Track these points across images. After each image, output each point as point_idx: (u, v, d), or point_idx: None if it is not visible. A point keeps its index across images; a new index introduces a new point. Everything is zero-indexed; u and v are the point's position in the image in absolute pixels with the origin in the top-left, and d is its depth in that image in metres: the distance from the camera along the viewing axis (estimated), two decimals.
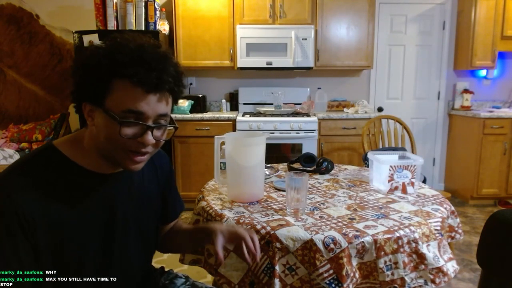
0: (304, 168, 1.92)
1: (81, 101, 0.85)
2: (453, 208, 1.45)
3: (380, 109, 4.11)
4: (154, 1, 3.33)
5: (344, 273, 1.11)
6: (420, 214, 1.32)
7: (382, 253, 1.14)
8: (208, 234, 1.03)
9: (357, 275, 1.15)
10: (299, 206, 1.30)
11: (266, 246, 1.17)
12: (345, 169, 1.99)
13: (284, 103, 3.79)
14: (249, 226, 1.21)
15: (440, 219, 1.29)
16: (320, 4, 3.60)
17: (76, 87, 0.85)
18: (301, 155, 1.97)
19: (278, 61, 3.58)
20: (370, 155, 1.66)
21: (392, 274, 1.15)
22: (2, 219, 0.77)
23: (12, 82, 3.94)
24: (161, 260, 2.50)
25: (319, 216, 1.30)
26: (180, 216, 1.21)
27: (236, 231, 1.01)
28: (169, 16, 3.66)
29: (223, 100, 3.93)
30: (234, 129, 3.47)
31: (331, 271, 1.11)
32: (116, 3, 3.29)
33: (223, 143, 1.51)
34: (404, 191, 1.55)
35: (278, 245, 1.15)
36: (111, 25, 3.27)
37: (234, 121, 3.50)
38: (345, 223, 1.24)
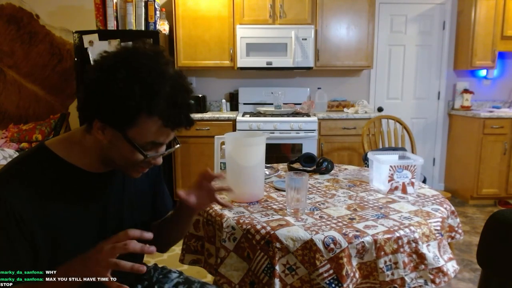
0: (304, 168, 1.92)
1: (94, 118, 0.82)
2: (453, 208, 1.45)
3: (380, 109, 4.11)
4: (154, 1, 3.33)
5: (344, 273, 1.11)
6: (420, 214, 1.32)
7: (382, 253, 1.14)
8: (182, 207, 1.05)
9: (357, 275, 1.15)
10: (299, 206, 1.30)
11: (266, 246, 1.17)
12: (345, 169, 1.99)
13: (284, 103, 3.79)
14: (249, 226, 1.21)
15: (440, 219, 1.29)
16: (320, 4, 3.60)
17: (93, 105, 0.81)
18: (301, 155, 1.97)
19: (278, 61, 3.58)
20: (370, 155, 1.66)
21: (392, 274, 1.15)
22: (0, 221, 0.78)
23: (12, 82, 3.94)
24: (161, 260, 2.50)
25: (319, 216, 1.30)
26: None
27: (199, 179, 1.03)
28: (169, 16, 3.66)
29: (223, 100, 3.93)
30: (234, 129, 3.47)
31: (331, 271, 1.11)
32: (116, 3, 3.29)
33: (223, 143, 1.51)
34: (404, 191, 1.55)
35: (278, 245, 1.15)
36: (111, 25, 3.27)
37: (234, 121, 3.50)
38: (345, 223, 1.24)
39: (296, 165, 1.97)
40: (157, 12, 3.38)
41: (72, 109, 3.94)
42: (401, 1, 3.98)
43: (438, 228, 1.26)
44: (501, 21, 3.73)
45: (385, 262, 1.14)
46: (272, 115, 3.57)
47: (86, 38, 3.24)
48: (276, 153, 3.41)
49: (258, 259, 1.18)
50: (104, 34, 3.24)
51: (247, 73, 4.02)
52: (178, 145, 0.96)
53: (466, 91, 4.03)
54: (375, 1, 3.67)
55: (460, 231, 1.45)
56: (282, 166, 2.04)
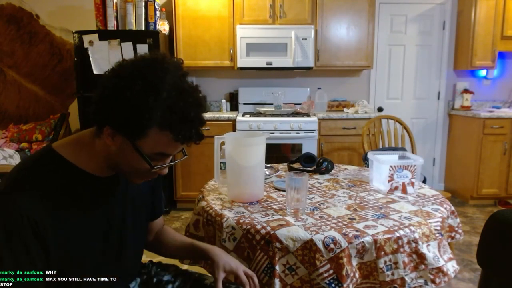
0: (304, 168, 1.92)
1: (106, 124, 0.83)
2: (453, 208, 1.45)
3: (380, 109, 4.11)
4: (154, 1, 3.33)
5: (344, 273, 1.11)
6: (420, 214, 1.32)
7: (382, 253, 1.14)
8: (207, 260, 1.09)
9: (357, 275, 1.15)
10: (299, 206, 1.30)
11: (266, 246, 1.17)
12: (345, 169, 1.99)
13: (284, 103, 3.79)
14: (249, 226, 1.21)
15: (440, 219, 1.29)
16: (320, 4, 3.60)
17: (106, 112, 0.82)
18: (301, 155, 1.97)
19: (278, 61, 3.58)
20: (370, 155, 1.66)
21: (392, 274, 1.15)
22: (14, 225, 0.78)
23: (12, 82, 3.94)
24: (161, 259, 2.49)
25: (319, 216, 1.30)
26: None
27: (238, 274, 1.06)
28: (169, 16, 3.66)
29: (223, 100, 3.93)
30: (234, 129, 3.47)
31: (331, 271, 1.11)
32: (116, 3, 3.29)
33: (223, 143, 1.51)
34: (404, 191, 1.55)
35: (278, 245, 1.15)
36: (111, 25, 3.27)
37: (234, 121, 3.50)
38: (345, 223, 1.24)
39: (296, 165, 1.97)
40: (157, 12, 3.38)
41: (72, 109, 3.94)
42: (401, 1, 3.98)
43: (438, 228, 1.26)
44: (501, 21, 3.73)
45: (385, 262, 1.14)
46: (272, 115, 3.57)
47: (86, 38, 3.24)
48: (276, 153, 3.41)
49: (258, 259, 1.18)
50: (104, 34, 3.24)
51: (247, 73, 4.02)
52: (186, 156, 0.98)
53: (466, 91, 4.03)
54: (375, 1, 3.67)
55: (460, 231, 1.45)
56: (282, 166, 2.04)
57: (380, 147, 3.04)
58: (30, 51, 3.88)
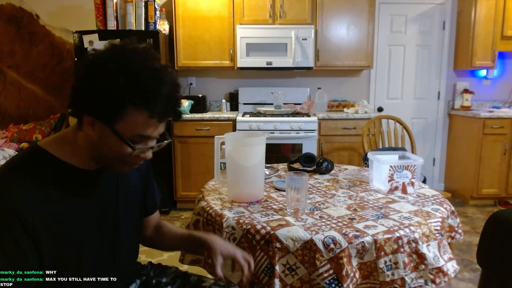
0: (304, 168, 1.92)
1: (83, 112, 0.84)
2: (453, 208, 1.45)
3: (380, 109, 4.11)
4: (154, 1, 3.33)
5: (344, 273, 1.11)
6: (420, 214, 1.32)
7: (382, 253, 1.14)
8: (206, 248, 1.08)
9: (357, 275, 1.15)
10: (299, 206, 1.30)
11: (266, 246, 1.17)
12: (345, 169, 1.99)
13: (284, 103, 3.79)
14: (249, 226, 1.21)
15: (440, 219, 1.29)
16: (320, 4, 3.60)
17: (83, 99, 0.84)
18: (301, 155, 1.97)
19: (278, 61, 3.58)
20: (370, 155, 1.66)
21: (392, 274, 1.15)
22: (4, 222, 0.78)
23: (12, 82, 3.94)
24: (161, 260, 2.49)
25: (319, 216, 1.30)
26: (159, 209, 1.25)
27: (235, 257, 1.06)
28: (169, 16, 3.66)
29: (223, 100, 3.93)
30: (234, 129, 3.47)
31: (331, 271, 1.11)
32: (116, 3, 3.29)
33: (223, 143, 1.51)
34: (404, 191, 1.55)
35: (278, 245, 1.15)
36: (111, 25, 3.27)
37: (234, 121, 3.50)
38: (345, 223, 1.24)
39: (296, 165, 1.97)
40: (157, 12, 3.38)
41: None
42: (401, 1, 3.98)
43: (438, 228, 1.26)
44: (501, 21, 3.73)
45: (385, 262, 1.14)
46: (272, 115, 3.57)
47: (86, 38, 3.24)
48: (276, 153, 3.41)
49: (258, 259, 1.18)
50: (104, 34, 3.24)
51: (247, 73, 4.02)
52: (168, 140, 0.95)
53: (466, 91, 4.03)
54: (375, 1, 3.67)
55: (460, 231, 1.45)
56: (282, 166, 2.04)
57: (380, 147, 3.04)
58: (30, 51, 3.88)
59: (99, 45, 3.23)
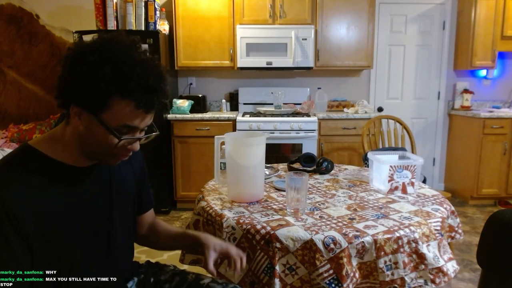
0: (304, 168, 1.92)
1: (70, 103, 0.85)
2: (453, 208, 1.45)
3: (380, 109, 4.11)
4: (154, 1, 3.33)
5: (344, 273, 1.11)
6: (420, 214, 1.32)
7: (382, 253, 1.14)
8: (200, 246, 1.09)
9: (357, 275, 1.15)
10: (299, 206, 1.30)
11: (266, 246, 1.17)
12: (345, 169, 1.99)
13: (284, 103, 3.79)
14: (249, 226, 1.21)
15: (440, 219, 1.29)
16: (320, 4, 3.60)
17: (68, 90, 0.84)
18: (301, 155, 1.97)
19: (278, 61, 3.58)
20: (370, 155, 1.66)
21: (392, 274, 1.15)
22: None
23: (12, 82, 3.94)
24: (161, 260, 2.49)
25: (319, 216, 1.30)
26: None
27: (228, 252, 1.07)
28: (169, 16, 3.66)
29: (223, 100, 3.93)
30: (234, 129, 3.47)
31: (331, 271, 1.12)
32: (116, 3, 3.29)
33: (223, 143, 1.51)
34: (404, 191, 1.55)
35: (278, 245, 1.15)
36: (111, 25, 3.27)
37: (234, 121, 3.50)
38: (345, 223, 1.24)
39: (296, 165, 1.97)
40: (157, 12, 3.38)
41: None
42: (401, 1, 3.98)
43: (438, 228, 1.26)
44: (501, 21, 3.73)
45: (385, 262, 1.14)
46: (272, 115, 3.57)
47: (86, 38, 3.24)
48: (276, 153, 3.41)
49: (258, 259, 1.18)
50: (109, 34, 3.23)
51: (247, 73, 4.02)
52: (156, 133, 0.95)
53: (466, 91, 4.03)
54: (375, 1, 3.67)
55: (460, 231, 1.45)
56: (282, 166, 2.04)
57: (380, 147, 3.04)
58: (30, 51, 3.88)
59: None
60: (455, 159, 4.10)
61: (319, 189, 1.63)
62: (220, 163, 1.59)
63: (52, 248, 0.86)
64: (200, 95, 3.74)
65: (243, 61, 3.57)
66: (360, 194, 1.55)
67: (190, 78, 4.01)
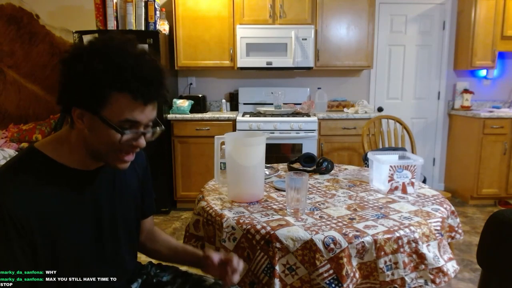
0: (304, 168, 1.92)
1: (71, 105, 0.85)
2: (453, 208, 1.45)
3: (380, 109, 4.11)
4: (154, 1, 3.33)
5: (344, 273, 1.11)
6: (420, 214, 1.32)
7: (382, 253, 1.14)
8: (200, 258, 1.08)
9: (357, 275, 1.15)
10: (299, 206, 1.30)
11: (266, 246, 1.17)
12: (345, 169, 1.99)
13: (284, 103, 3.79)
14: (249, 226, 1.21)
15: (440, 219, 1.29)
16: (320, 4, 3.60)
17: (67, 93, 0.85)
18: (301, 155, 1.97)
19: (278, 61, 3.58)
20: (370, 155, 1.66)
21: (392, 274, 1.15)
22: None
23: (12, 82, 3.94)
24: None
25: (319, 216, 1.30)
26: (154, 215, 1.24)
27: (230, 259, 1.03)
28: (169, 16, 3.66)
29: (223, 100, 3.93)
30: (234, 129, 3.47)
31: (331, 271, 1.11)
32: (116, 3, 3.29)
33: (223, 143, 1.51)
34: (404, 191, 1.55)
35: (278, 245, 1.15)
36: (111, 25, 3.27)
37: (234, 121, 3.50)
38: (345, 223, 1.24)
39: (296, 165, 1.97)
40: (157, 12, 3.38)
41: None
42: (401, 1, 3.98)
43: (438, 228, 1.26)
44: (501, 21, 3.73)
45: (385, 262, 1.14)
46: (272, 115, 3.57)
47: (86, 38, 3.24)
48: (276, 153, 3.41)
49: (258, 259, 1.18)
50: (104, 34, 3.24)
51: (247, 73, 4.02)
52: (161, 128, 0.94)
53: (466, 91, 4.03)
54: (375, 1, 3.67)
55: (460, 231, 1.45)
56: (282, 166, 2.04)
57: (380, 147, 3.04)
58: (30, 51, 3.88)
59: None
60: (455, 159, 4.10)
61: (319, 189, 1.62)
62: (220, 163, 1.59)
63: (56, 250, 0.86)
64: (200, 95, 3.74)
65: (243, 61, 3.57)
66: (360, 194, 1.55)
67: (190, 78, 4.01)
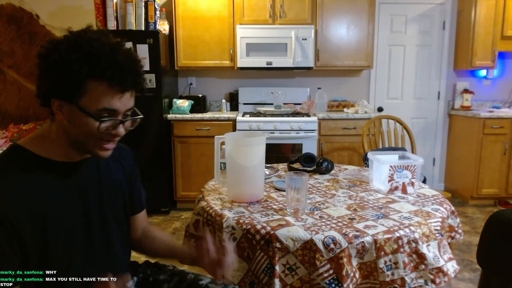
0: (304, 168, 1.92)
1: (49, 97, 0.86)
2: (453, 208, 1.45)
3: (380, 109, 4.11)
4: (154, 1, 3.33)
5: (344, 273, 1.11)
6: (420, 214, 1.32)
7: (382, 253, 1.14)
8: (192, 257, 1.05)
9: (357, 275, 1.15)
10: (299, 206, 1.30)
11: (266, 246, 1.17)
12: (345, 169, 1.99)
13: (284, 103, 3.79)
14: (249, 226, 1.21)
15: (440, 219, 1.29)
16: (320, 4, 3.60)
17: (45, 84, 0.86)
18: (301, 155, 1.97)
19: (278, 61, 3.58)
20: (370, 155, 1.66)
21: (392, 274, 1.15)
22: None
23: (12, 82, 3.94)
24: (158, 260, 2.49)
25: (319, 216, 1.30)
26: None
27: (225, 255, 1.00)
28: (169, 16, 3.66)
29: (223, 100, 3.93)
30: (234, 129, 3.47)
31: (331, 271, 1.11)
32: (116, 3, 3.29)
33: (223, 143, 1.51)
34: (404, 191, 1.55)
35: (278, 245, 1.15)
36: (111, 25, 3.27)
37: (234, 121, 3.50)
38: (345, 223, 1.24)
39: (296, 165, 1.97)
40: (157, 12, 3.38)
41: None
42: (401, 1, 3.98)
43: (438, 228, 1.26)
44: (501, 21, 3.73)
45: (385, 262, 1.14)
46: (272, 115, 3.57)
47: None
48: (276, 153, 3.41)
49: (258, 259, 1.18)
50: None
51: (247, 73, 4.02)
52: (140, 116, 0.95)
53: (466, 91, 4.03)
54: (375, 1, 3.67)
55: (460, 231, 1.45)
56: (282, 166, 2.04)
57: (380, 147, 3.04)
58: (30, 51, 3.88)
59: None
60: (455, 159, 4.10)
61: (319, 189, 1.63)
62: (220, 163, 1.59)
63: (45, 246, 0.86)
64: (200, 95, 3.74)
65: (243, 61, 3.57)
66: (360, 194, 1.55)
67: (190, 78, 4.01)
